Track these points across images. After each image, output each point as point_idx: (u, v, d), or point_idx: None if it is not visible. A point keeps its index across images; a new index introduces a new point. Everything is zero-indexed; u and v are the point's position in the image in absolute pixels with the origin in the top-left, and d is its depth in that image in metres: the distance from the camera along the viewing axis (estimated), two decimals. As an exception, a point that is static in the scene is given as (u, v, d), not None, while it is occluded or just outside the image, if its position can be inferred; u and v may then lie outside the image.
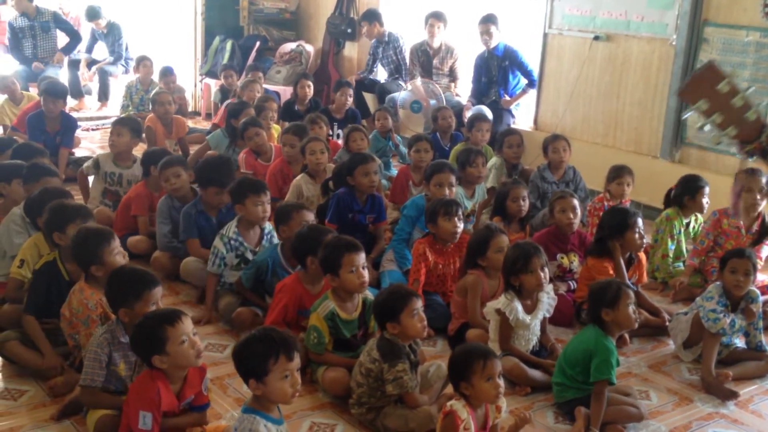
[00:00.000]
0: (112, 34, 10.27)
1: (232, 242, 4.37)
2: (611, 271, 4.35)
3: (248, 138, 6.28)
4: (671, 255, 5.22)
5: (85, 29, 10.72)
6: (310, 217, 4.39)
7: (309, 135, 6.18)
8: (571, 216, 4.71)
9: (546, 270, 3.77)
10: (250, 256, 4.34)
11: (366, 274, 3.63)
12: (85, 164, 5.87)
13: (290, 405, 2.90)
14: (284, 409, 2.96)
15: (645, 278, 4.66)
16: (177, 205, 4.99)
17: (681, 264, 5.29)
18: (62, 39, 10.02)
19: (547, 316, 3.90)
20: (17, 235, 4.19)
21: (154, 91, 8.07)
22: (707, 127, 2.14)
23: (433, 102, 8.04)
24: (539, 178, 5.99)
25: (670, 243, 5.19)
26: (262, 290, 4.32)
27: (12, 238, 4.20)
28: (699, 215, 5.34)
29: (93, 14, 10.15)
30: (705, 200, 5.20)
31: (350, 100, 7.89)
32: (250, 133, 6.28)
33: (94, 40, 10.51)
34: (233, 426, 2.76)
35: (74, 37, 9.85)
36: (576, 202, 4.76)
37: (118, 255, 3.54)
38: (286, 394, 2.68)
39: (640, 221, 4.44)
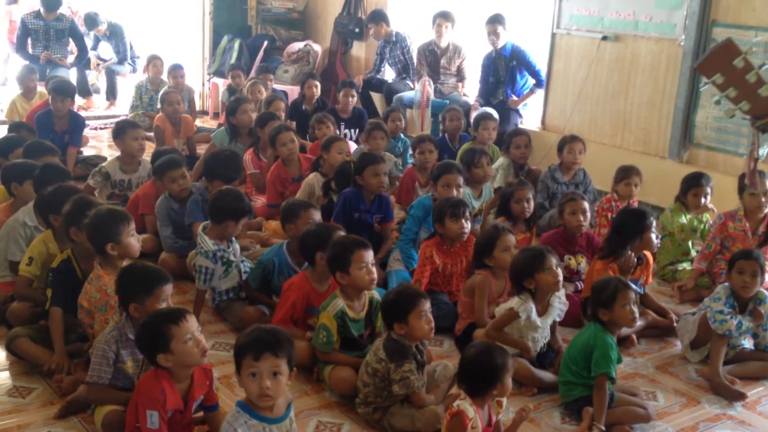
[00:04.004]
0: (114, 36, 10.28)
1: (217, 254, 4.20)
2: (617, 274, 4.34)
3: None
4: (670, 251, 5.32)
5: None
6: (317, 215, 4.39)
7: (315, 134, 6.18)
8: (581, 219, 4.70)
9: (560, 269, 3.77)
10: (232, 257, 4.30)
11: (375, 271, 3.64)
12: (91, 178, 5.71)
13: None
14: (291, 408, 2.96)
15: (651, 279, 4.65)
16: (175, 206, 5.01)
17: (688, 264, 5.29)
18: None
19: (558, 320, 3.90)
20: (15, 243, 4.21)
21: (162, 90, 8.08)
22: (722, 101, 2.19)
23: (435, 101, 8.04)
24: (550, 179, 5.98)
25: (667, 238, 5.27)
26: (268, 290, 4.33)
27: (9, 245, 4.22)
28: (705, 213, 5.34)
29: (92, 23, 10.16)
30: (704, 198, 5.22)
31: (353, 99, 7.88)
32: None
33: (97, 40, 10.53)
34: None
35: (82, 51, 9.83)
36: (586, 204, 4.75)
37: (133, 238, 3.62)
38: (251, 392, 2.66)
39: (654, 221, 4.44)
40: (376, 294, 3.74)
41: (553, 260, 3.73)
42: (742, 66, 2.10)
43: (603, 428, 3.32)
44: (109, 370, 3.15)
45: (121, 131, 5.77)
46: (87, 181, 5.73)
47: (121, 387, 3.19)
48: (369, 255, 3.62)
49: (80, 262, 3.75)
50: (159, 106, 7.87)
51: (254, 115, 6.86)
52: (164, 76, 8.98)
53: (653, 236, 4.36)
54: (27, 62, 9.02)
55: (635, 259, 4.38)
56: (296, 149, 6.01)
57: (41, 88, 8.13)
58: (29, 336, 3.69)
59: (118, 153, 5.97)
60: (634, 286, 3.60)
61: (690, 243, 5.37)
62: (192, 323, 2.90)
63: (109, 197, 5.70)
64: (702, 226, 5.36)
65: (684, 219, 5.29)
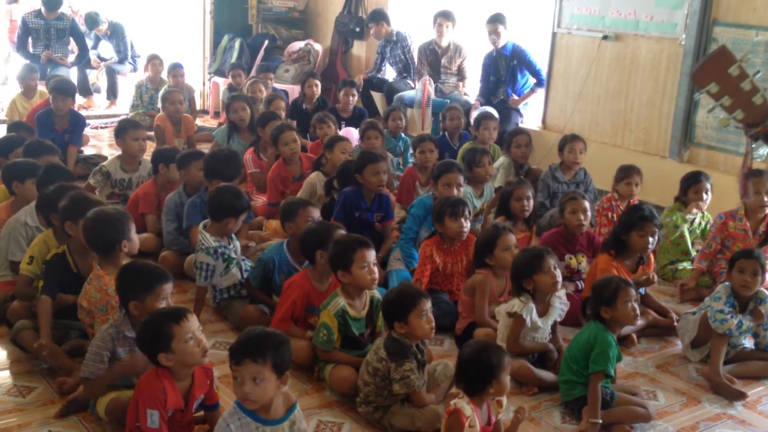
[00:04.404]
0: (115, 35, 10.28)
1: (218, 250, 4.21)
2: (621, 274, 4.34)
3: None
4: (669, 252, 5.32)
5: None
6: (316, 213, 4.39)
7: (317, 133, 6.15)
8: (582, 218, 4.70)
9: (558, 270, 3.76)
10: (233, 254, 4.30)
11: (376, 270, 3.64)
12: (92, 177, 5.71)
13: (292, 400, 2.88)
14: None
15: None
16: (186, 201, 5.00)
17: (688, 263, 5.29)
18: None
19: (558, 320, 3.90)
20: (15, 244, 4.22)
21: (164, 89, 8.07)
22: (716, 109, 2.17)
23: (436, 100, 8.03)
24: (550, 178, 5.98)
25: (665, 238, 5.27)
26: (269, 289, 4.33)
27: (10, 245, 4.23)
28: (705, 212, 5.34)
29: (92, 23, 10.16)
30: (705, 194, 5.22)
31: (354, 99, 7.88)
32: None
33: (98, 39, 10.53)
34: None
35: (83, 50, 9.82)
36: (587, 203, 4.75)
37: (135, 234, 3.67)
38: (236, 395, 2.71)
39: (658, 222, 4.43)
40: (377, 293, 3.74)
41: (552, 261, 3.73)
42: (737, 74, 2.09)
43: (598, 421, 3.33)
44: (102, 367, 3.16)
45: (123, 131, 5.78)
46: (88, 180, 5.73)
47: (120, 384, 3.21)
48: (371, 254, 3.62)
49: (75, 257, 3.77)
50: (159, 105, 7.87)
51: (247, 113, 6.85)
52: (164, 75, 8.98)
53: (650, 238, 4.34)
54: (28, 61, 9.01)
55: (653, 277, 4.40)
56: (298, 149, 6.01)
57: (42, 87, 8.12)
58: (34, 328, 3.70)
59: (118, 152, 5.97)
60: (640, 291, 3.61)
61: (689, 243, 5.36)
62: (193, 323, 2.91)
63: (109, 196, 5.69)
64: (704, 223, 5.35)
65: (673, 218, 5.28)
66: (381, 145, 6.29)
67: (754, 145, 2.30)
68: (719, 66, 2.10)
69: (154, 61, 8.97)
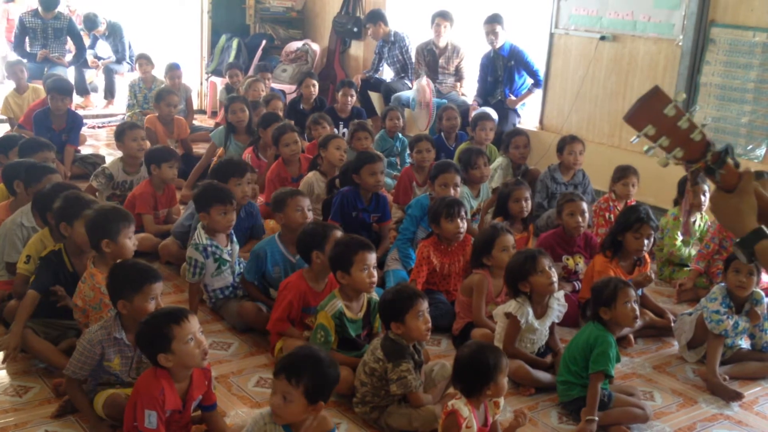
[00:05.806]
0: (113, 36, 10.28)
1: (209, 249, 4.18)
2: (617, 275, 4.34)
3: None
4: (682, 252, 5.28)
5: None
6: (306, 202, 4.37)
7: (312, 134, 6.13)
8: (580, 220, 4.71)
9: (553, 270, 3.76)
10: (227, 256, 4.28)
11: (375, 274, 3.64)
12: (95, 179, 5.68)
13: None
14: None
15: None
16: None
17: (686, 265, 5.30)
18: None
19: (556, 322, 3.90)
20: (11, 245, 4.21)
21: (159, 88, 8.02)
22: (651, 151, 2.16)
23: (435, 100, 8.03)
24: (549, 179, 5.98)
25: (678, 242, 5.22)
26: (264, 284, 4.33)
27: (6, 247, 4.23)
28: (704, 214, 5.34)
29: (91, 24, 10.17)
30: (703, 196, 5.21)
31: (352, 99, 7.88)
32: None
33: (95, 39, 10.53)
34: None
35: (80, 50, 9.81)
36: (585, 205, 4.75)
37: (130, 240, 3.63)
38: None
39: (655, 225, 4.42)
40: (375, 294, 3.73)
41: (546, 262, 3.73)
42: (674, 114, 2.07)
43: (595, 419, 3.34)
44: (88, 367, 3.16)
45: (121, 133, 5.79)
46: (90, 182, 5.71)
47: (106, 381, 3.21)
48: (372, 257, 3.61)
49: (71, 257, 3.77)
50: (153, 104, 7.82)
51: (246, 114, 6.84)
52: (156, 73, 8.93)
53: (645, 240, 4.34)
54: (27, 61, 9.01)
55: (651, 276, 4.40)
56: (299, 150, 6.02)
57: (37, 85, 8.10)
58: (32, 329, 3.69)
59: (115, 151, 5.95)
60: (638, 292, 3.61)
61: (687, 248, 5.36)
62: (194, 324, 2.90)
63: (109, 198, 5.68)
64: (702, 225, 5.35)
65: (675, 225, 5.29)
66: (371, 146, 6.28)
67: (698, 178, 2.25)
68: (654, 108, 2.10)
69: (141, 60, 8.93)
